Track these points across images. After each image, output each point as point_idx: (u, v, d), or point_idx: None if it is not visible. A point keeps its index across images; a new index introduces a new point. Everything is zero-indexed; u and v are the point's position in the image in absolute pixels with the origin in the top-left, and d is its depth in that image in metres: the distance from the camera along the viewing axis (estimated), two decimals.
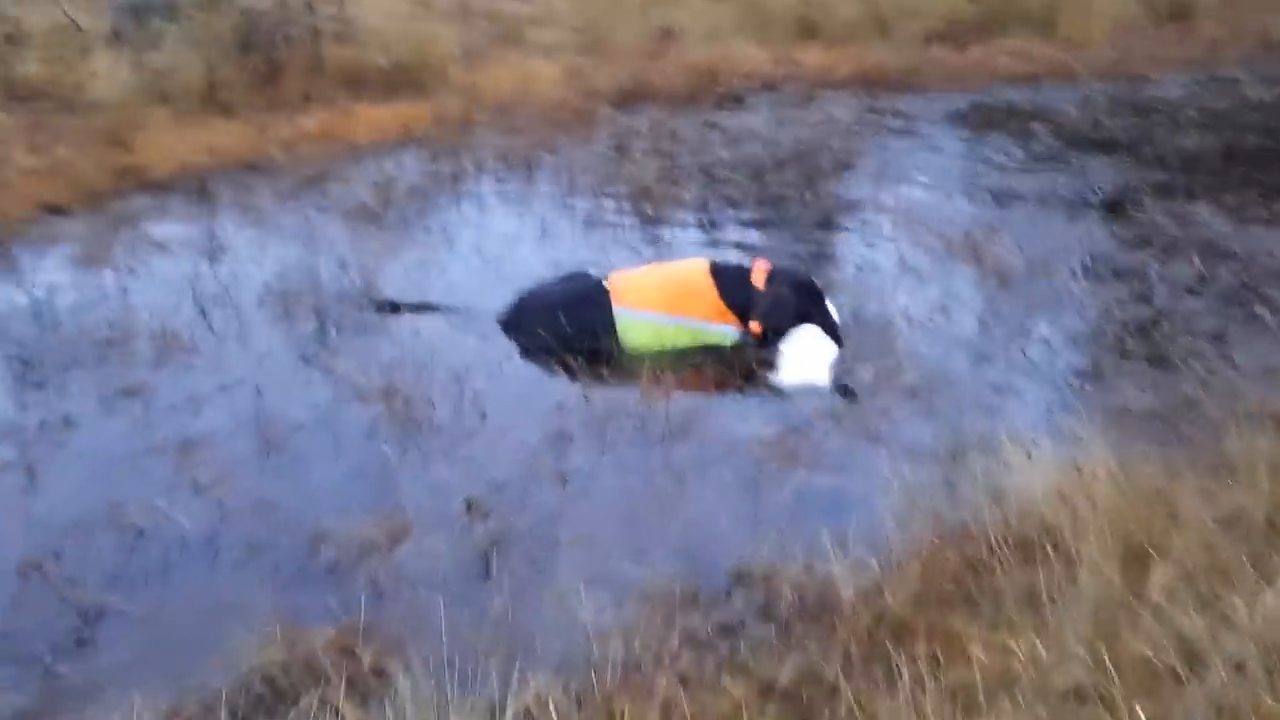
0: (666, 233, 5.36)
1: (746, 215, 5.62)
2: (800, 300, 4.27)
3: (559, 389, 3.99)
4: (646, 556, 3.08)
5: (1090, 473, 3.01)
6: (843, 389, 4.05)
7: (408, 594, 2.94)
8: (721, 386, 4.06)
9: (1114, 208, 5.76)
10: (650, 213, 5.55)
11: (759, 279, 4.27)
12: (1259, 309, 4.52)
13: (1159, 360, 4.19)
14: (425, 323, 4.43)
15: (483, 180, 5.96)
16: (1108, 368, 4.15)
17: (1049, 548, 2.73)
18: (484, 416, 3.80)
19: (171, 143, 6.08)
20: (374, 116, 6.77)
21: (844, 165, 6.44)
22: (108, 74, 6.66)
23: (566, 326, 4.17)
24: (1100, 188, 6.03)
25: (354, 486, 3.44)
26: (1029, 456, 3.20)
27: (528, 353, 4.23)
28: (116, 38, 7.24)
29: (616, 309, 4.22)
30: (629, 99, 7.52)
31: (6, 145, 5.83)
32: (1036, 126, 7.15)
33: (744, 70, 8.10)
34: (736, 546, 3.09)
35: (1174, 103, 7.63)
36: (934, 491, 3.21)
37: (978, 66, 8.36)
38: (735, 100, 7.65)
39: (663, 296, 4.26)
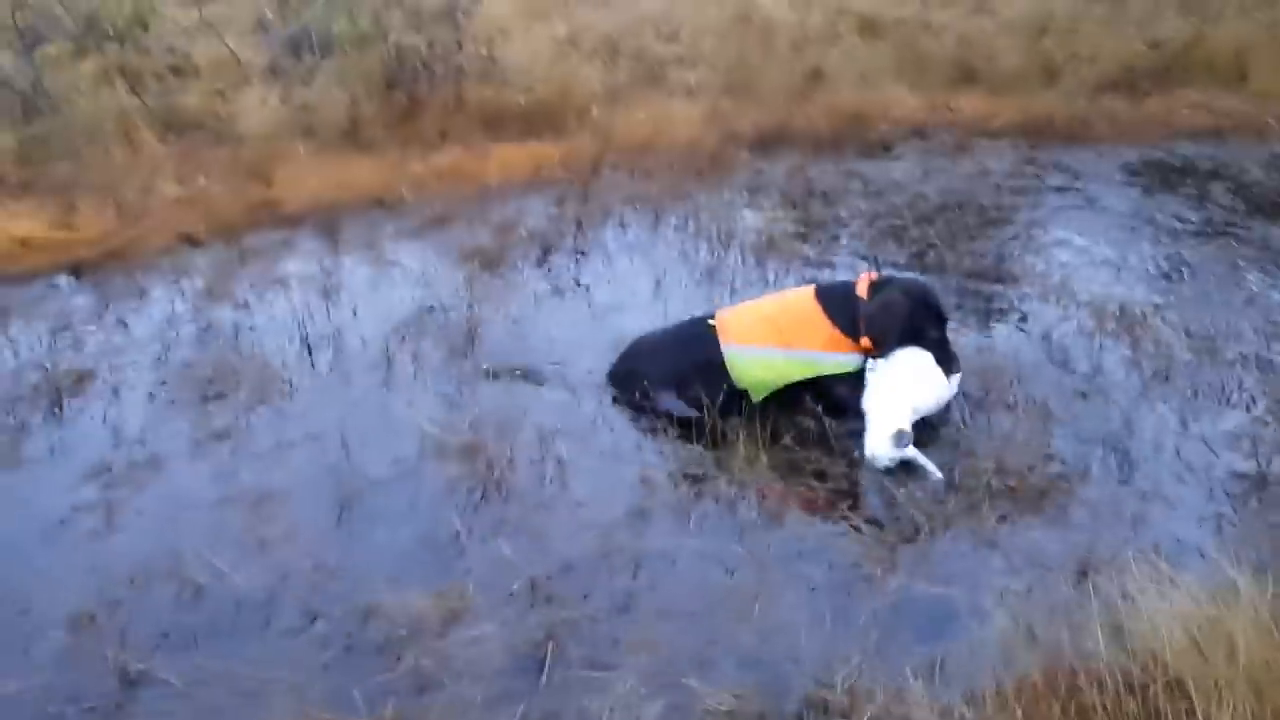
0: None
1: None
2: (912, 310, 3.88)
3: (648, 460, 3.75)
4: (714, 667, 2.80)
5: (1236, 615, 2.54)
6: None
7: (451, 685, 2.74)
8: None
9: None
10: (772, 267, 5.24)
11: (863, 289, 3.94)
12: None
13: None
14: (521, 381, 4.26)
15: (606, 226, 5.78)
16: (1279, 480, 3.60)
17: (1172, 711, 2.29)
18: (564, 486, 3.59)
19: (308, 177, 6.17)
20: (507, 156, 6.71)
21: (993, 222, 5.97)
22: (258, 107, 6.84)
23: (677, 371, 3.97)
24: None
25: (420, 554, 3.28)
26: (1167, 584, 2.75)
27: (637, 409, 4.01)
28: (273, 72, 7.44)
29: (725, 347, 3.95)
30: (769, 143, 7.24)
31: (157, 175, 6.03)
32: (1216, 188, 6.48)
33: (894, 116, 7.70)
34: (815, 664, 2.78)
35: None
36: (1048, 618, 2.80)
37: (1154, 119, 7.68)
38: (883, 147, 7.27)
39: (772, 330, 3.96)
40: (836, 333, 3.91)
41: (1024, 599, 2.96)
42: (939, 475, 3.63)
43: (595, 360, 4.33)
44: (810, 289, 4.07)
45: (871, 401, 3.81)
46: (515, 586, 3.09)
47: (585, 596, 3.09)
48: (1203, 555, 3.12)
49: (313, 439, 3.86)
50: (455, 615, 2.98)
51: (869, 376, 3.88)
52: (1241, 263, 5.36)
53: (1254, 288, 5.08)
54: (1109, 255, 5.47)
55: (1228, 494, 3.54)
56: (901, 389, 3.80)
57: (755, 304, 4.20)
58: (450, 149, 6.79)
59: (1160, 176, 6.74)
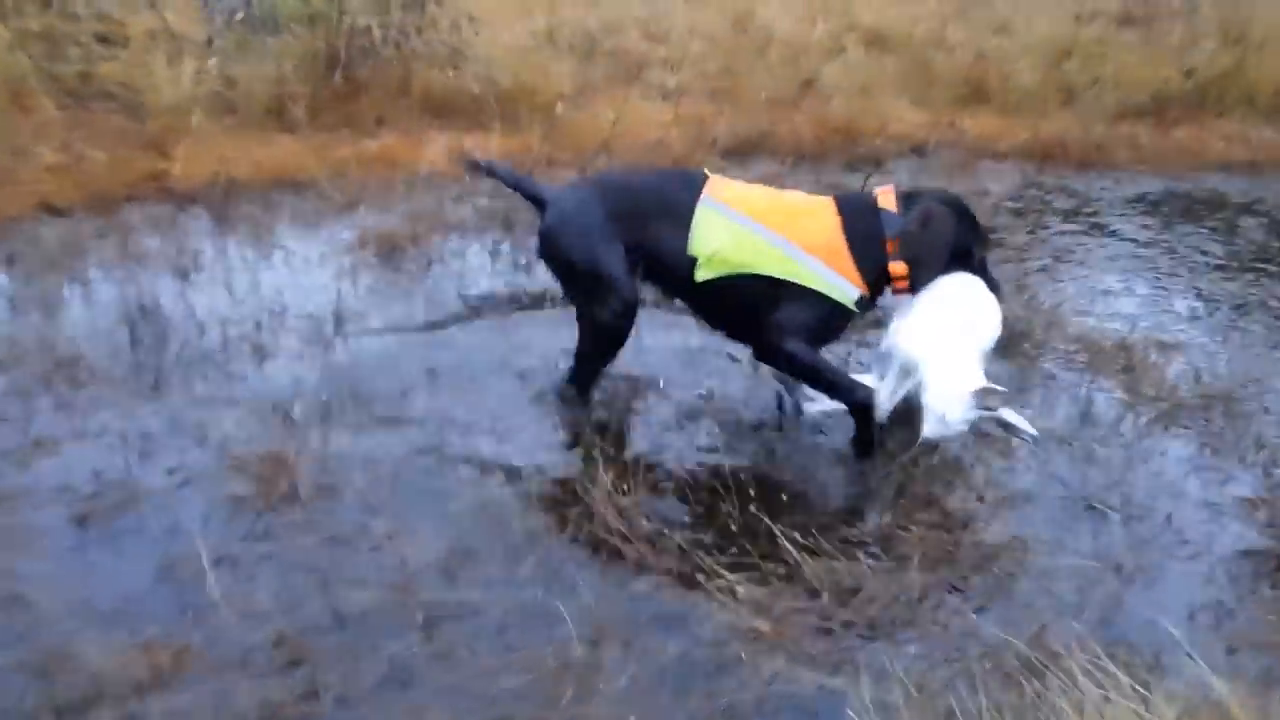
0: None
1: None
2: (958, 224, 3.10)
3: (490, 487, 2.96)
4: None
5: None
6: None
7: None
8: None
9: None
10: None
11: (888, 201, 3.10)
12: None
13: None
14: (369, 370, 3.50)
15: (527, 224, 5.02)
16: None
17: None
18: (375, 514, 2.81)
19: (214, 154, 5.48)
20: (450, 146, 5.99)
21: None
22: (179, 80, 6.17)
23: (633, 212, 3.15)
24: None
25: (153, 589, 2.52)
26: (1129, 695, 1.94)
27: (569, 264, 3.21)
28: (209, 46, 6.81)
29: (705, 199, 3.11)
30: (746, 150, 6.49)
31: (40, 140, 5.36)
32: (1248, 223, 5.67)
33: (892, 131, 6.93)
34: None
35: None
36: None
37: (1183, 148, 6.89)
38: (873, 162, 6.48)
39: (774, 211, 3.13)
40: (843, 248, 3.06)
41: (935, 699, 2.14)
42: (1034, 433, 2.97)
43: (461, 362, 3.59)
44: (828, 197, 3.21)
45: (924, 348, 2.93)
46: (256, 641, 2.30)
47: (353, 661, 2.30)
48: (1189, 658, 2.27)
49: (86, 436, 3.12)
50: (162, 674, 2.21)
51: (904, 318, 3.04)
52: (1274, 303, 4.53)
53: None
54: (1113, 285, 4.68)
55: (1230, 577, 2.71)
56: (964, 328, 2.98)
57: (761, 189, 3.29)
58: (386, 135, 6.10)
59: (1184, 207, 5.93)
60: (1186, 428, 3.44)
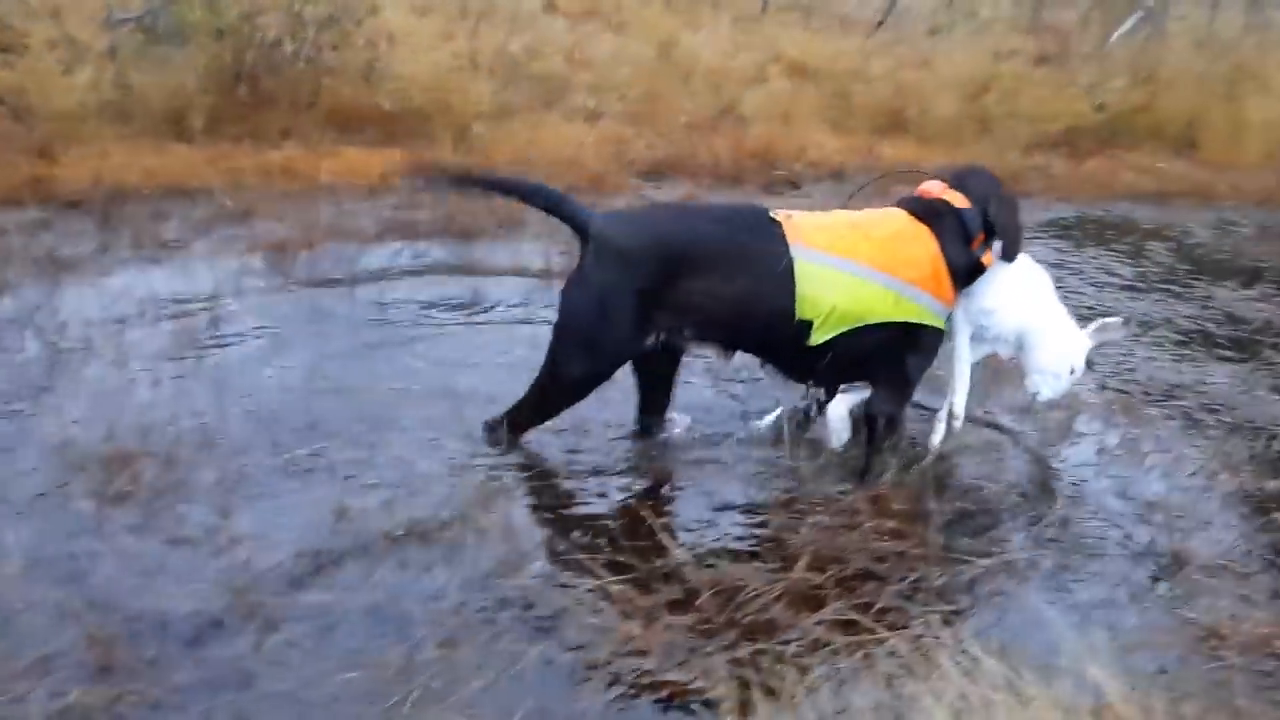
0: None
1: None
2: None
3: (352, 487, 2.76)
4: None
5: None
6: None
7: None
8: None
9: (1246, 346, 4.26)
10: None
11: (955, 198, 2.87)
12: None
13: None
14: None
15: (432, 239, 4.87)
16: (1201, 565, 2.68)
17: None
18: (226, 514, 2.60)
19: (105, 161, 5.25)
20: (353, 161, 5.85)
21: None
22: (76, 88, 5.94)
23: (712, 272, 2.71)
24: (1230, 320, 4.54)
25: None
26: (1012, 700, 1.81)
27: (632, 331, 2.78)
28: (111, 55, 6.58)
29: (799, 250, 2.72)
30: (664, 171, 6.42)
31: None
32: (1155, 246, 5.71)
33: (811, 157, 6.91)
34: None
35: None
36: None
37: (1094, 178, 6.97)
38: (791, 185, 6.46)
39: (864, 239, 2.79)
40: (944, 269, 2.81)
41: (812, 699, 1.99)
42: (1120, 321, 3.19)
43: (339, 370, 3.41)
44: (891, 208, 2.95)
45: (1033, 313, 2.99)
46: (62, 645, 2.08)
47: (175, 666, 2.09)
48: (1080, 657, 2.15)
49: None
50: None
51: (999, 289, 2.96)
52: (1178, 320, 4.52)
53: (1193, 344, 4.23)
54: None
55: (1126, 577, 2.61)
56: (1047, 290, 3.07)
57: (829, 214, 2.96)
58: (289, 147, 5.90)
59: (1095, 232, 5.96)
60: (1088, 433, 3.37)
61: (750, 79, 8.31)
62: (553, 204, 2.86)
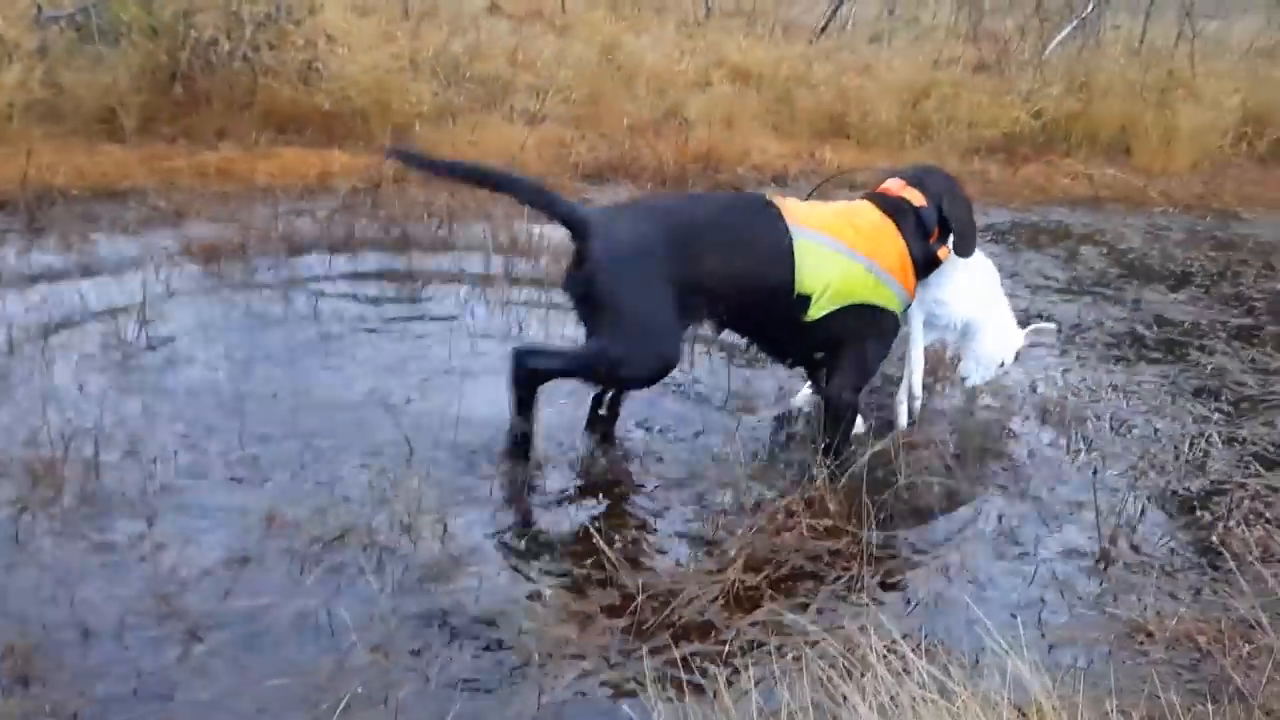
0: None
1: None
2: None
3: (283, 496, 2.71)
4: None
5: None
6: None
7: None
8: None
9: (1173, 347, 4.36)
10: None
11: (913, 196, 3.06)
12: None
13: (1206, 558, 2.78)
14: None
15: (370, 242, 4.81)
16: (1128, 563, 2.74)
17: None
18: (149, 522, 2.54)
19: (32, 161, 5.10)
20: (292, 161, 5.78)
21: None
22: (5, 87, 5.78)
23: (720, 253, 2.80)
24: (1159, 322, 4.64)
25: None
26: (931, 699, 1.83)
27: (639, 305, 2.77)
28: (41, 54, 6.42)
29: (799, 230, 2.86)
30: (606, 174, 6.42)
31: None
32: (1089, 251, 5.81)
33: (754, 161, 6.96)
34: None
35: (1268, 243, 6.23)
36: None
37: (1030, 184, 7.10)
38: (734, 188, 6.48)
39: (848, 227, 2.95)
40: (909, 261, 3.01)
41: (742, 702, 1.99)
42: (1054, 326, 3.67)
43: (272, 375, 3.36)
44: (862, 201, 3.11)
45: (980, 307, 3.30)
46: None
47: (97, 676, 2.04)
48: (1007, 654, 2.18)
49: None
50: None
51: (952, 281, 3.23)
52: (1108, 323, 4.61)
53: (1122, 346, 4.32)
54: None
55: (1055, 575, 2.65)
56: (993, 285, 3.38)
57: (809, 202, 3.12)
58: (225, 148, 5.81)
59: (1030, 237, 6.06)
60: (1021, 433, 3.42)
61: (694, 83, 8.34)
62: (542, 200, 2.87)
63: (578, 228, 2.78)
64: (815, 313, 2.88)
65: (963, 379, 3.39)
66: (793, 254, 2.83)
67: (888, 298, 2.97)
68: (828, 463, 2.89)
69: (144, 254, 4.35)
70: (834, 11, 11.15)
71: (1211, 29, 10.70)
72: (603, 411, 3.15)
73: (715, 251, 2.80)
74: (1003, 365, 3.35)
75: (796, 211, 2.92)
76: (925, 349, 3.34)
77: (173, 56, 6.35)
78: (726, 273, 2.80)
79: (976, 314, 3.29)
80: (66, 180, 5.14)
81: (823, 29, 10.85)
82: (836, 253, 2.88)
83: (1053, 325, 3.47)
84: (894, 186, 3.09)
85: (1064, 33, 9.73)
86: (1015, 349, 3.35)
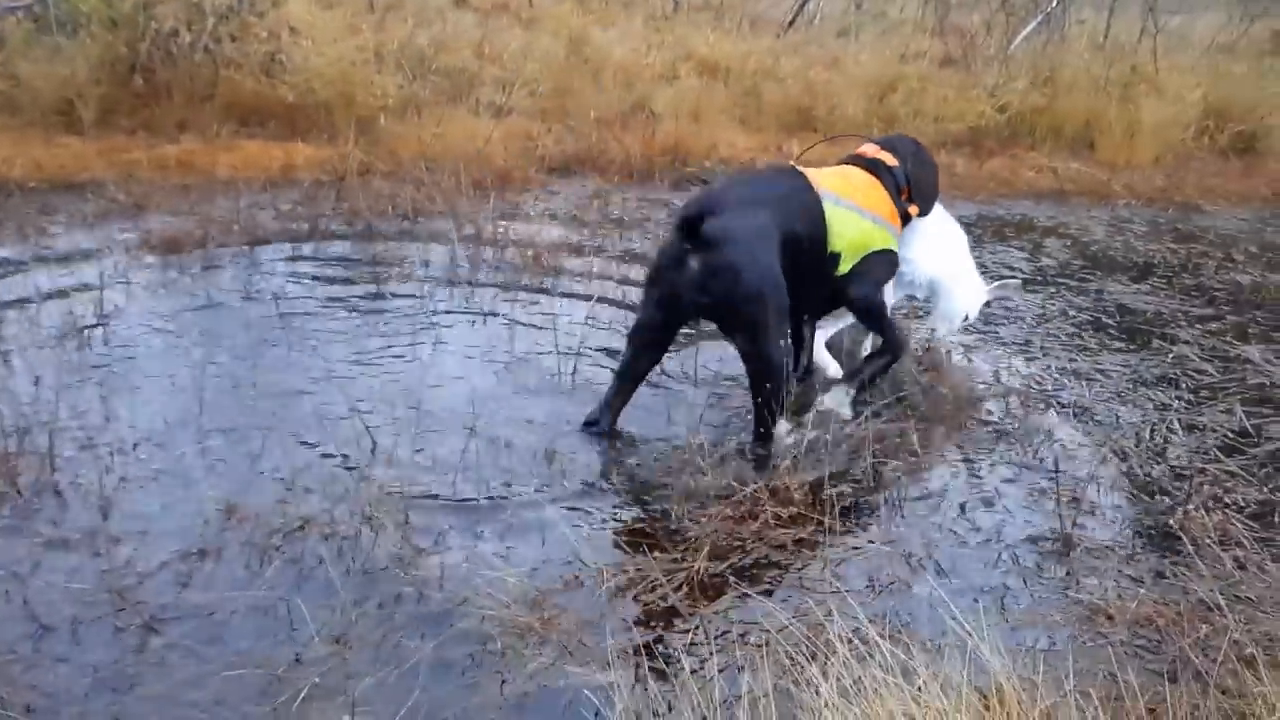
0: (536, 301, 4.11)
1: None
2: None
3: (242, 488, 2.68)
4: None
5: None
6: None
7: None
8: None
9: (1135, 337, 4.41)
10: (525, 279, 4.31)
11: (887, 157, 3.42)
12: None
13: (1166, 543, 2.80)
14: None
15: (334, 234, 4.76)
16: (1087, 546, 2.75)
17: None
18: (107, 516, 2.50)
19: None
20: (255, 154, 5.72)
21: None
22: None
23: (778, 224, 3.00)
24: (1122, 312, 4.69)
25: None
26: (894, 681, 1.83)
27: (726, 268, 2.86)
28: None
29: (828, 196, 3.16)
30: (573, 167, 6.40)
31: None
32: (1053, 243, 5.86)
33: (722, 154, 6.96)
34: None
35: (1228, 235, 6.31)
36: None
37: (996, 177, 7.15)
38: (701, 181, 6.48)
39: (852, 188, 3.28)
40: (892, 206, 3.37)
41: (708, 688, 1.98)
42: (1019, 281, 4.09)
43: (232, 367, 3.32)
44: (844, 166, 3.45)
45: (945, 265, 3.62)
46: None
47: (50, 670, 2.00)
48: (969, 637, 2.18)
49: None
50: None
51: (920, 242, 3.57)
52: (1072, 313, 4.64)
53: (1085, 335, 4.35)
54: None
55: (1018, 560, 2.67)
56: (960, 244, 3.69)
57: (816, 168, 3.36)
58: (187, 140, 5.74)
59: (995, 229, 6.09)
60: (985, 421, 3.44)
61: (661, 76, 8.32)
62: None
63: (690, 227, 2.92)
64: (845, 267, 3.21)
65: (932, 332, 3.74)
66: (824, 218, 3.13)
67: (889, 240, 3.33)
68: (873, 369, 3.36)
69: (102, 246, 4.29)
70: (801, 6, 11.17)
71: (1174, 24, 10.83)
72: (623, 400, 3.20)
73: (792, 221, 3.05)
74: (967, 319, 3.68)
75: (826, 180, 3.21)
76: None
77: (132, 48, 6.27)
78: (797, 239, 3.05)
79: (943, 271, 3.61)
80: (24, 173, 5.07)
81: (790, 23, 10.88)
82: (850, 211, 3.19)
83: (1016, 280, 3.78)
84: (869, 150, 3.45)
85: (1029, 28, 9.81)
86: (979, 304, 3.68)
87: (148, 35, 6.36)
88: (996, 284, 3.70)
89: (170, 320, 3.68)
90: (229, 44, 6.60)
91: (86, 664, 2.04)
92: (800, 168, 3.22)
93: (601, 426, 3.10)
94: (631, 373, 3.13)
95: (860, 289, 3.27)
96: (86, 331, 3.48)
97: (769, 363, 2.91)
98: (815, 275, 3.15)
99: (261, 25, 6.91)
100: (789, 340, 3.07)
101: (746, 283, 2.85)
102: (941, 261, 3.61)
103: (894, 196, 3.36)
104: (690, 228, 2.82)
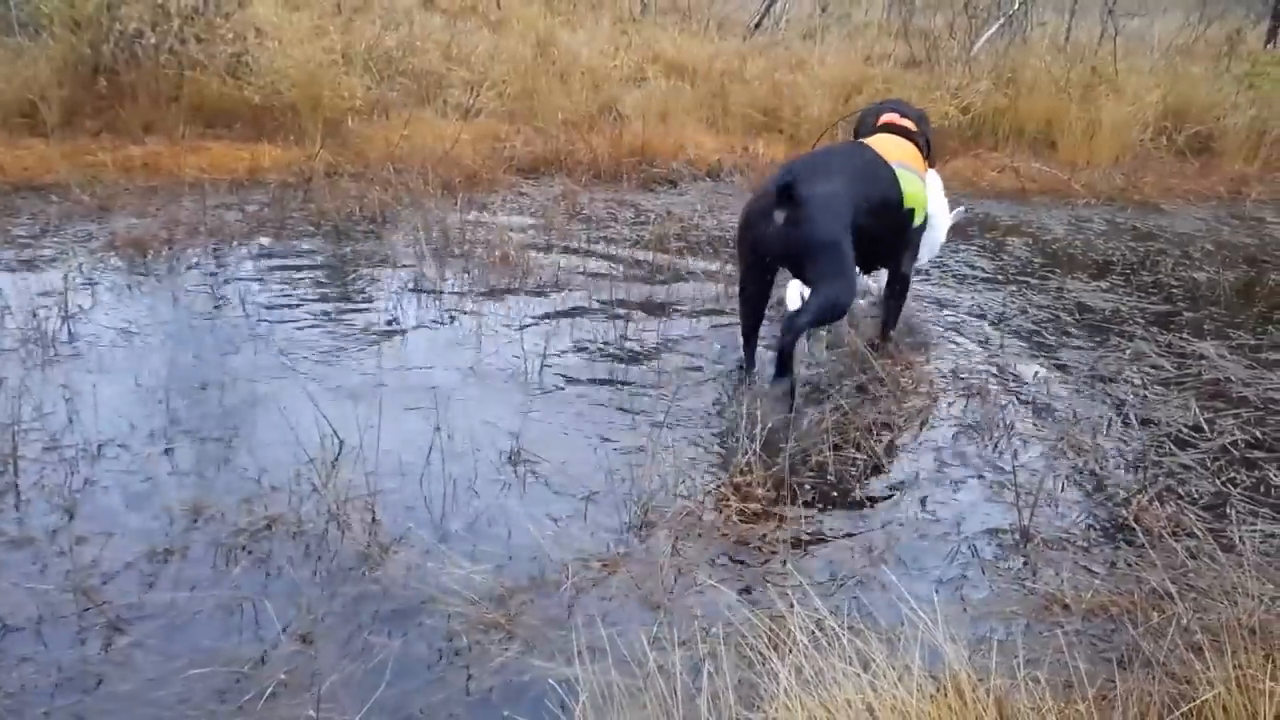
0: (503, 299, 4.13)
1: (567, 304, 4.31)
2: None
3: (207, 487, 2.69)
4: None
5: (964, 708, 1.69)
6: None
7: None
8: None
9: (1094, 333, 4.48)
10: (493, 279, 4.33)
11: (910, 125, 4.09)
12: (1274, 473, 3.19)
13: (1121, 534, 2.86)
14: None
15: (301, 235, 4.76)
16: (1044, 538, 2.81)
17: None
18: (69, 516, 2.50)
19: None
20: (221, 155, 5.70)
21: None
22: None
23: (854, 191, 3.52)
24: (1081, 309, 4.77)
25: None
26: (854, 671, 1.87)
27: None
28: None
29: (893, 163, 3.76)
30: (542, 168, 6.43)
31: None
32: (1014, 240, 5.94)
33: (689, 155, 7.00)
34: None
35: (1185, 234, 6.42)
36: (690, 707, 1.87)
37: (959, 176, 7.23)
38: (668, 183, 6.53)
39: (906, 155, 3.88)
40: (924, 165, 4.02)
41: (672, 682, 2.01)
42: (963, 208, 4.82)
43: (198, 368, 3.31)
44: (888, 134, 3.99)
45: (937, 203, 4.23)
46: None
47: (13, 670, 2.00)
48: (928, 628, 2.23)
49: None
50: None
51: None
52: (1032, 310, 4.72)
53: (1045, 332, 4.42)
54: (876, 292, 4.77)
55: (977, 552, 2.72)
56: (939, 182, 4.35)
57: (871, 139, 3.98)
58: (152, 142, 5.71)
59: (958, 227, 6.14)
60: (947, 417, 3.49)
61: (629, 78, 8.37)
62: None
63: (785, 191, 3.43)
64: (918, 221, 3.85)
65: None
66: (897, 181, 3.70)
67: (929, 200, 3.97)
68: (891, 334, 4.06)
69: (67, 247, 4.26)
70: (768, 8, 11.25)
71: (1133, 26, 10.99)
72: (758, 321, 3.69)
73: (865, 187, 3.59)
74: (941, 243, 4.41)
75: (887, 149, 3.80)
76: None
77: (96, 49, 6.27)
78: (871, 201, 3.58)
79: (936, 209, 4.19)
80: None
81: (756, 25, 10.95)
82: (910, 174, 3.79)
83: (962, 207, 4.72)
84: (898, 119, 4.06)
85: (992, 30, 9.93)
86: (949, 228, 4.44)
87: (111, 36, 6.35)
88: (956, 210, 4.54)
89: (135, 322, 3.66)
90: (194, 45, 6.60)
91: (51, 663, 2.05)
92: (866, 143, 3.84)
93: (754, 374, 3.64)
94: (750, 325, 3.65)
95: (907, 263, 3.99)
96: (51, 333, 3.47)
97: (831, 301, 3.40)
98: (896, 229, 3.78)
99: (227, 26, 6.90)
100: (853, 284, 3.51)
101: (815, 237, 3.35)
102: (936, 201, 4.22)
103: (925, 157, 4.04)
104: (784, 193, 3.28)
